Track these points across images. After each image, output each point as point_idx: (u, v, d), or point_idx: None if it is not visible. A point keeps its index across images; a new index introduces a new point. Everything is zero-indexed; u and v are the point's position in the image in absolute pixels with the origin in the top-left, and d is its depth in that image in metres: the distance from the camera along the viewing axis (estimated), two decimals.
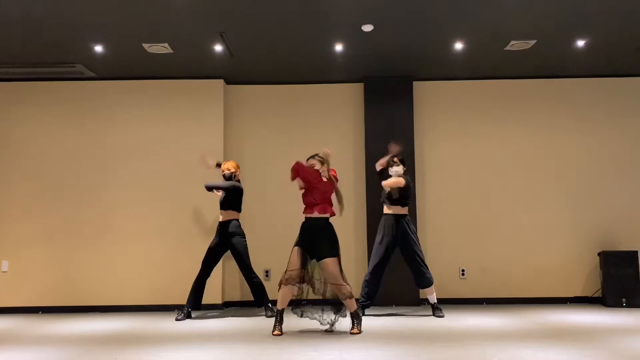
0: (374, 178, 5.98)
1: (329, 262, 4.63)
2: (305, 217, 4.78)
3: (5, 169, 6.70)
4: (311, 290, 4.74)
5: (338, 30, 5.55)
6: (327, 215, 4.76)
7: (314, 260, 4.74)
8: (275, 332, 4.60)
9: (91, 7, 4.95)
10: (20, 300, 6.50)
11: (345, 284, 4.65)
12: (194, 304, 5.74)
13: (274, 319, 4.74)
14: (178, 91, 6.81)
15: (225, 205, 5.86)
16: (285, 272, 4.67)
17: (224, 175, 5.96)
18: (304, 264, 4.69)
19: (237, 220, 5.88)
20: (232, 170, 5.96)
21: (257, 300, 5.83)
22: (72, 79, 6.77)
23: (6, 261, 6.57)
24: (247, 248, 5.85)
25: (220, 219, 5.87)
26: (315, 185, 4.72)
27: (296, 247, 4.72)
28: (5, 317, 6.09)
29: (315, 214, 4.72)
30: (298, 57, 6.24)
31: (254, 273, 5.82)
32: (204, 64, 6.39)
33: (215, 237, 5.87)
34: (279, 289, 4.67)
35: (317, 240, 4.69)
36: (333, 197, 4.85)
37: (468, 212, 6.81)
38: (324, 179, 4.79)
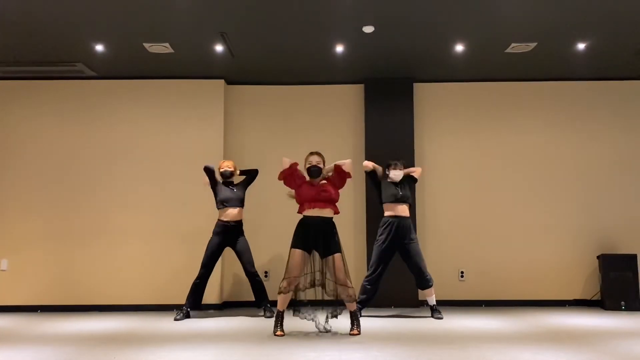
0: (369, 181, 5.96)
1: (338, 257, 4.63)
2: (303, 215, 4.77)
3: (5, 168, 6.70)
4: (322, 292, 4.69)
5: (339, 31, 5.55)
6: (325, 215, 4.72)
7: (317, 257, 4.71)
8: (278, 333, 4.60)
9: (92, 6, 4.95)
10: (19, 298, 6.50)
11: (351, 285, 4.66)
12: (194, 304, 5.73)
13: (274, 320, 4.73)
14: (178, 91, 6.82)
15: (237, 202, 5.82)
16: (284, 278, 4.63)
17: (223, 174, 5.91)
18: (304, 268, 4.65)
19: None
20: (232, 169, 5.94)
21: (257, 300, 5.82)
22: (72, 78, 6.77)
23: (6, 260, 6.57)
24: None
25: (231, 218, 5.78)
26: (300, 185, 4.74)
27: (297, 250, 4.65)
28: (4, 316, 6.09)
29: (309, 212, 4.71)
30: (299, 58, 6.24)
31: (258, 273, 5.82)
32: (205, 64, 6.39)
33: (218, 236, 5.80)
34: (279, 292, 4.64)
35: (321, 237, 4.66)
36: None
37: (468, 214, 6.81)
38: (314, 180, 4.77)
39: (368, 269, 5.72)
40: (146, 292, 6.51)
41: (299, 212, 4.80)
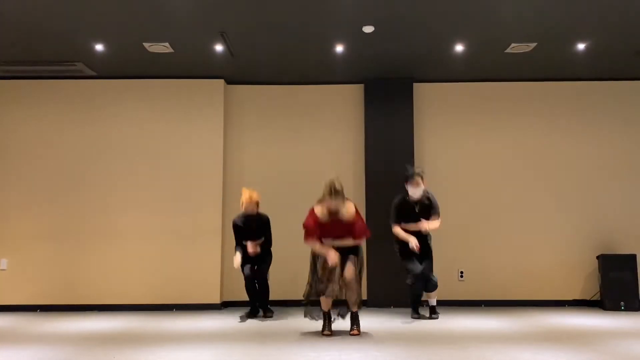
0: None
1: (353, 259, 4.67)
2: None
3: (5, 167, 6.70)
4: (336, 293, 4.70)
5: (339, 31, 5.55)
6: (346, 244, 4.70)
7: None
8: (326, 333, 4.62)
9: (92, 6, 4.95)
10: (18, 298, 6.50)
11: (358, 288, 4.69)
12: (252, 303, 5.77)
13: (322, 320, 4.73)
14: (178, 91, 6.82)
15: (258, 235, 5.76)
16: (321, 282, 4.62)
17: (248, 217, 5.69)
18: (333, 272, 4.65)
19: None
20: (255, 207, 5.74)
21: (262, 302, 5.82)
22: (72, 78, 6.78)
23: (5, 259, 6.57)
24: None
25: (255, 249, 5.69)
26: (322, 227, 4.68)
27: (321, 258, 4.64)
28: (4, 316, 6.09)
29: (336, 243, 4.68)
30: (299, 58, 6.24)
31: (267, 280, 5.85)
32: (205, 64, 6.39)
33: (248, 259, 5.69)
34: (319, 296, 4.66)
35: (341, 250, 4.70)
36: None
37: (467, 215, 6.82)
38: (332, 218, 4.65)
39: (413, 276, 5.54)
40: (146, 292, 6.51)
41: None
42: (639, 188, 6.83)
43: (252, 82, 6.99)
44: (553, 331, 4.89)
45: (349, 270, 4.62)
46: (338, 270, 4.61)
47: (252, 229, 5.68)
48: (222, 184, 6.68)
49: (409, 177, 5.37)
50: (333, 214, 4.59)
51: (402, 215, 5.45)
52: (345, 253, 4.69)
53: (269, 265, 5.85)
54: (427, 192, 5.44)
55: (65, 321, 5.63)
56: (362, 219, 4.76)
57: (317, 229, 4.62)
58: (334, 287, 4.59)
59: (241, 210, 5.65)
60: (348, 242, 4.70)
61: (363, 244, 6.33)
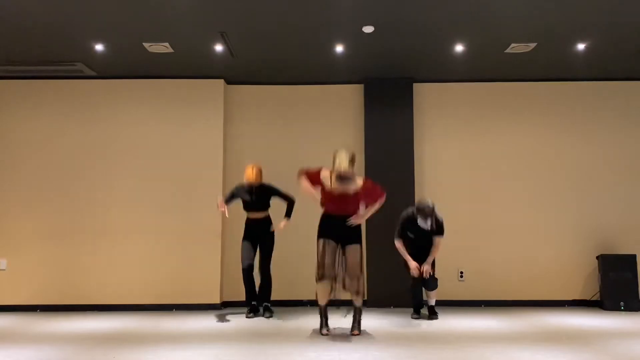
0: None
1: (357, 248, 4.61)
2: (327, 213, 4.70)
3: (5, 167, 6.70)
4: (341, 288, 4.67)
5: (339, 32, 5.55)
6: (349, 213, 4.61)
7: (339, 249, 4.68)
8: (324, 332, 4.61)
9: (92, 6, 4.95)
10: (18, 298, 6.50)
11: (361, 278, 4.63)
12: (249, 296, 5.76)
13: (319, 318, 4.73)
14: (178, 91, 6.82)
15: (260, 206, 5.78)
16: (318, 267, 4.58)
17: (247, 189, 5.77)
18: (334, 257, 4.60)
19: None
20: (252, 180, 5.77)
21: (263, 296, 5.81)
22: (72, 78, 6.78)
23: (5, 259, 6.57)
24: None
25: (255, 217, 5.78)
26: (322, 189, 4.66)
27: (322, 240, 4.61)
28: (4, 315, 6.09)
29: (332, 213, 4.65)
30: (298, 58, 6.24)
31: (269, 273, 5.80)
32: (205, 64, 6.39)
33: (245, 232, 5.77)
34: (317, 281, 4.61)
35: (344, 228, 4.60)
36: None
37: (467, 215, 6.82)
38: (334, 187, 4.58)
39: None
40: (145, 292, 6.51)
41: (321, 205, 4.72)
42: (639, 188, 6.83)
43: (252, 82, 6.99)
44: (553, 331, 4.89)
45: (351, 257, 4.56)
46: (339, 257, 4.60)
47: (252, 197, 5.69)
48: (222, 184, 6.68)
49: (420, 210, 5.42)
50: (342, 184, 4.50)
51: (407, 231, 5.58)
52: (347, 240, 4.62)
53: (271, 250, 5.77)
54: (436, 217, 5.50)
55: (65, 321, 5.63)
56: (374, 184, 4.68)
57: (315, 179, 4.64)
58: (333, 273, 4.56)
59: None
60: (351, 212, 4.59)
61: (363, 239, 6.31)
